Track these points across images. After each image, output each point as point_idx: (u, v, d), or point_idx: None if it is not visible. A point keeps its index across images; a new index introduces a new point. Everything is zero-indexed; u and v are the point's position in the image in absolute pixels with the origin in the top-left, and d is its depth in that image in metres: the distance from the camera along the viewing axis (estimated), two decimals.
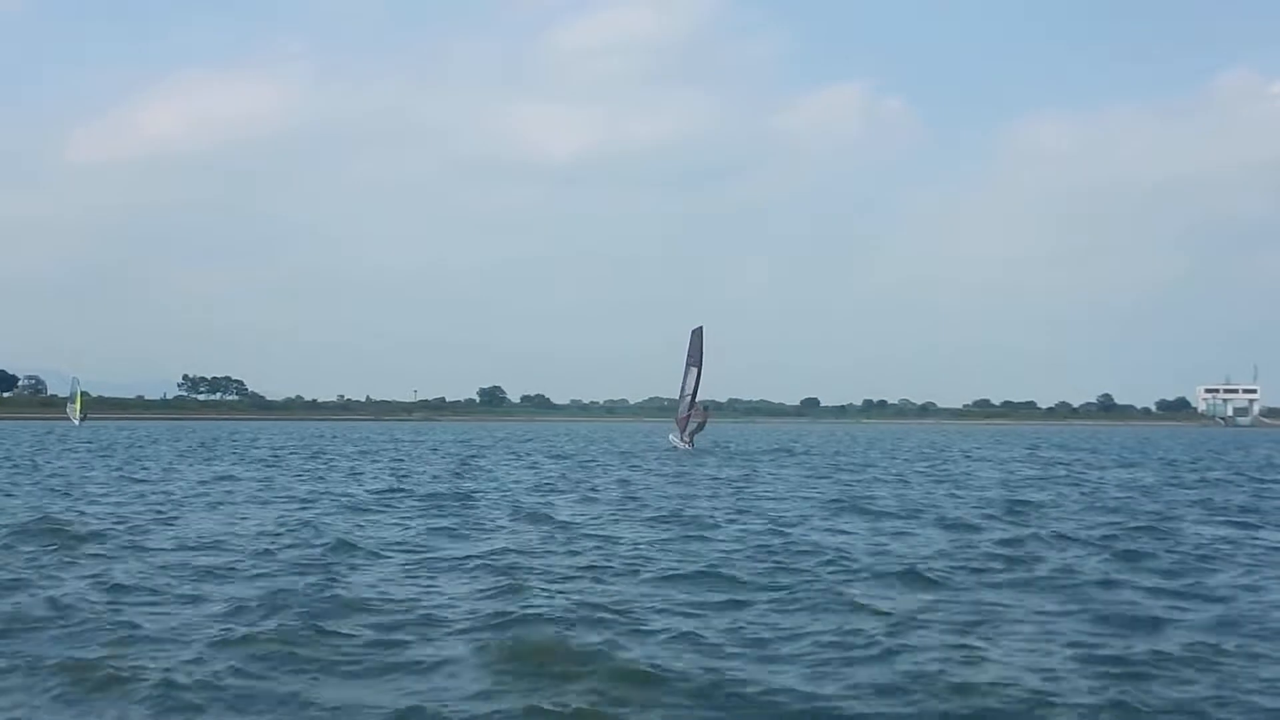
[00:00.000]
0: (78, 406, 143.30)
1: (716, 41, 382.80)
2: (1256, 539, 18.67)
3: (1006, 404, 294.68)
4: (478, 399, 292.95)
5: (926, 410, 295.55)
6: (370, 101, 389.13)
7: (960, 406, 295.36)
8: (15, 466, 39.99)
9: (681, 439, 67.53)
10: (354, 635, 10.48)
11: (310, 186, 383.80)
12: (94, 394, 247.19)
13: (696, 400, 66.59)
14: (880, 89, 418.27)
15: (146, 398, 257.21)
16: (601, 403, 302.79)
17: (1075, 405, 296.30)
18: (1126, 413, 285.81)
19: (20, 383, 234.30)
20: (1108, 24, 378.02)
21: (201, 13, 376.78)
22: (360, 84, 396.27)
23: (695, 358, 68.38)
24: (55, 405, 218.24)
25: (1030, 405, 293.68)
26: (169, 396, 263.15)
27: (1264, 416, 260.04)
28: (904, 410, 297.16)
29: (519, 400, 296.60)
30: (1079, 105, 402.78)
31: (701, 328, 68.37)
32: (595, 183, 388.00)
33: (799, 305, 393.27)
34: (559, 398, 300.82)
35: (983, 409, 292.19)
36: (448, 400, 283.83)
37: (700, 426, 68.60)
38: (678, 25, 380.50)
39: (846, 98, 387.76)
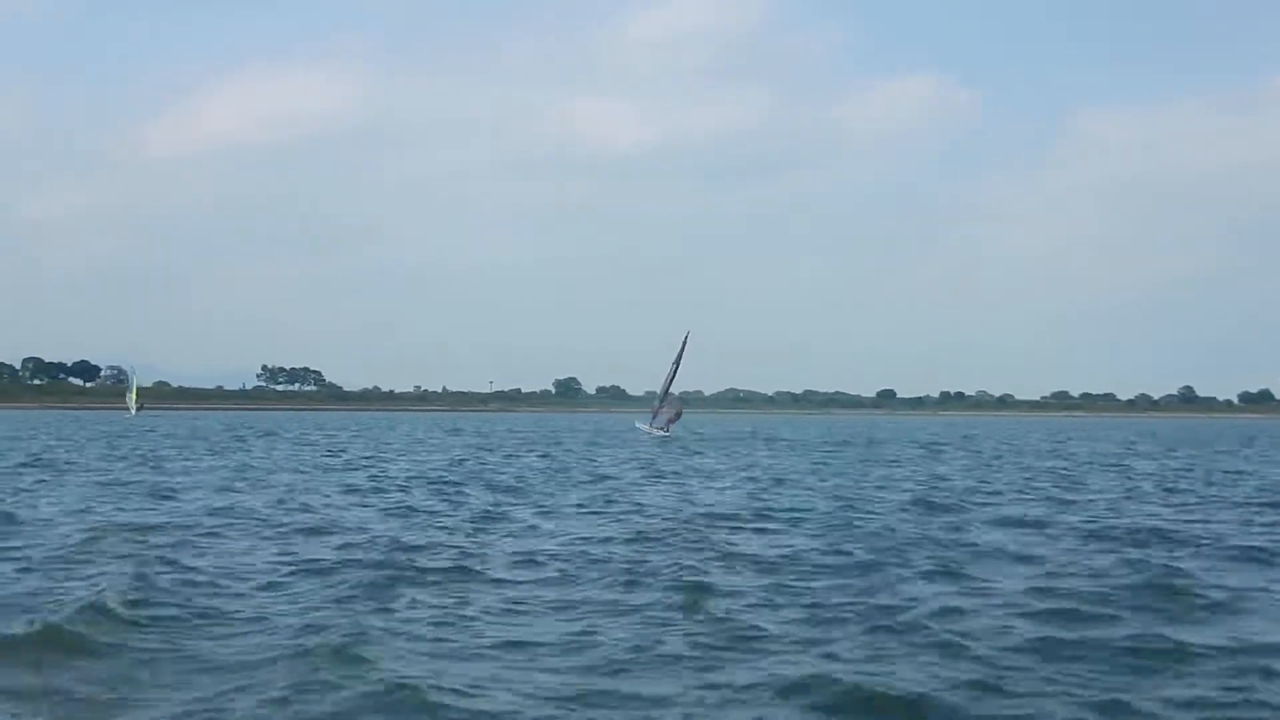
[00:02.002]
0: (134, 396, 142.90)
1: (777, 34, 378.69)
2: None
3: (1085, 396, 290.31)
4: (553, 390, 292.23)
5: (1004, 402, 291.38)
6: (435, 95, 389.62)
7: (1038, 398, 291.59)
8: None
9: (650, 426, 76.34)
10: None
11: (382, 179, 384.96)
12: (174, 384, 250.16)
13: (669, 395, 76.71)
14: (943, 80, 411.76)
15: (226, 388, 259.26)
16: (676, 394, 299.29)
17: (1156, 397, 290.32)
18: (1209, 405, 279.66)
19: (103, 373, 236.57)
20: (1170, 16, 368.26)
21: (268, 8, 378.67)
22: (426, 78, 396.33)
23: (677, 358, 76.75)
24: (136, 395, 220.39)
25: (1109, 397, 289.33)
26: (247, 387, 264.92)
27: None
28: (981, 402, 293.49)
29: (594, 391, 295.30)
30: (1143, 96, 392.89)
31: (689, 332, 77.37)
32: (658, 175, 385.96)
33: (870, 297, 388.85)
34: (634, 389, 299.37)
35: (1061, 401, 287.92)
36: (523, 391, 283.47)
37: (677, 416, 78.62)
38: (739, 17, 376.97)
39: (909, 89, 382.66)
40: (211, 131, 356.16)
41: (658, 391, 78.87)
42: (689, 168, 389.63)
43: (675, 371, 76.69)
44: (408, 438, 73.47)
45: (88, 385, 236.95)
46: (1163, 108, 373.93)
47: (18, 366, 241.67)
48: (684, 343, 76.63)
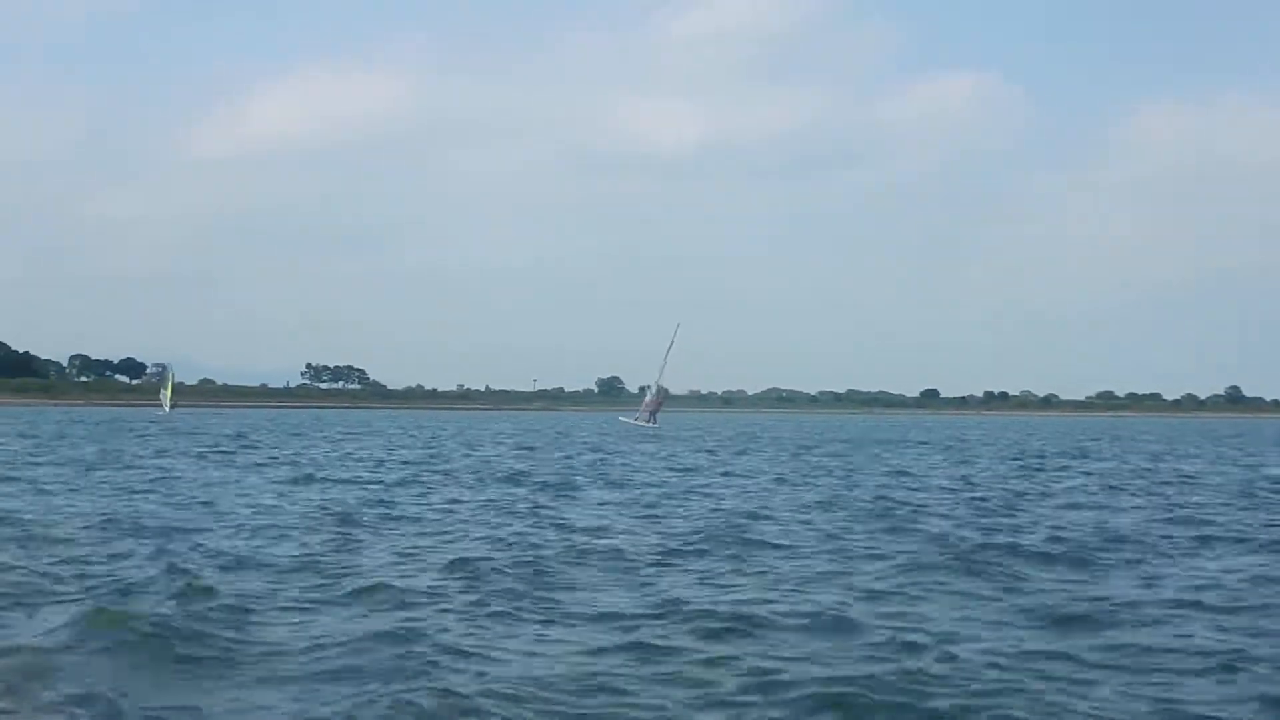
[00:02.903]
0: (168, 393, 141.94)
1: (823, 32, 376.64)
2: None
3: (1131, 395, 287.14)
4: (596, 389, 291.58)
5: (1049, 402, 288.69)
6: (485, 95, 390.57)
7: (1083, 398, 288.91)
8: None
9: (636, 418, 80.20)
10: None
11: (426, 179, 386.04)
12: (219, 381, 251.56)
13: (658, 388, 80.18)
14: (988, 78, 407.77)
15: (270, 386, 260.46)
16: (719, 393, 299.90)
17: (1202, 398, 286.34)
18: (1255, 405, 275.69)
19: (149, 370, 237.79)
20: (1217, 9, 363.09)
21: (317, 9, 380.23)
22: (475, 77, 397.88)
23: (667, 350, 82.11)
24: (180, 392, 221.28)
25: (1155, 397, 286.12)
26: (291, 385, 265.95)
27: None
28: (1026, 402, 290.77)
29: (637, 390, 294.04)
30: (1188, 91, 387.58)
31: (679, 324, 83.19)
32: (706, 174, 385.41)
33: (914, 296, 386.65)
34: (677, 388, 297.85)
35: (1106, 400, 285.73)
36: (566, 390, 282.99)
37: (658, 407, 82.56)
38: (789, 13, 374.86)
39: (955, 86, 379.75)
40: (261, 132, 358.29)
41: (650, 386, 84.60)
42: (735, 166, 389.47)
43: (665, 364, 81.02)
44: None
45: (134, 382, 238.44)
46: (1208, 103, 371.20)
47: (65, 364, 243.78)
48: (674, 334, 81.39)
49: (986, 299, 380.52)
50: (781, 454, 53.05)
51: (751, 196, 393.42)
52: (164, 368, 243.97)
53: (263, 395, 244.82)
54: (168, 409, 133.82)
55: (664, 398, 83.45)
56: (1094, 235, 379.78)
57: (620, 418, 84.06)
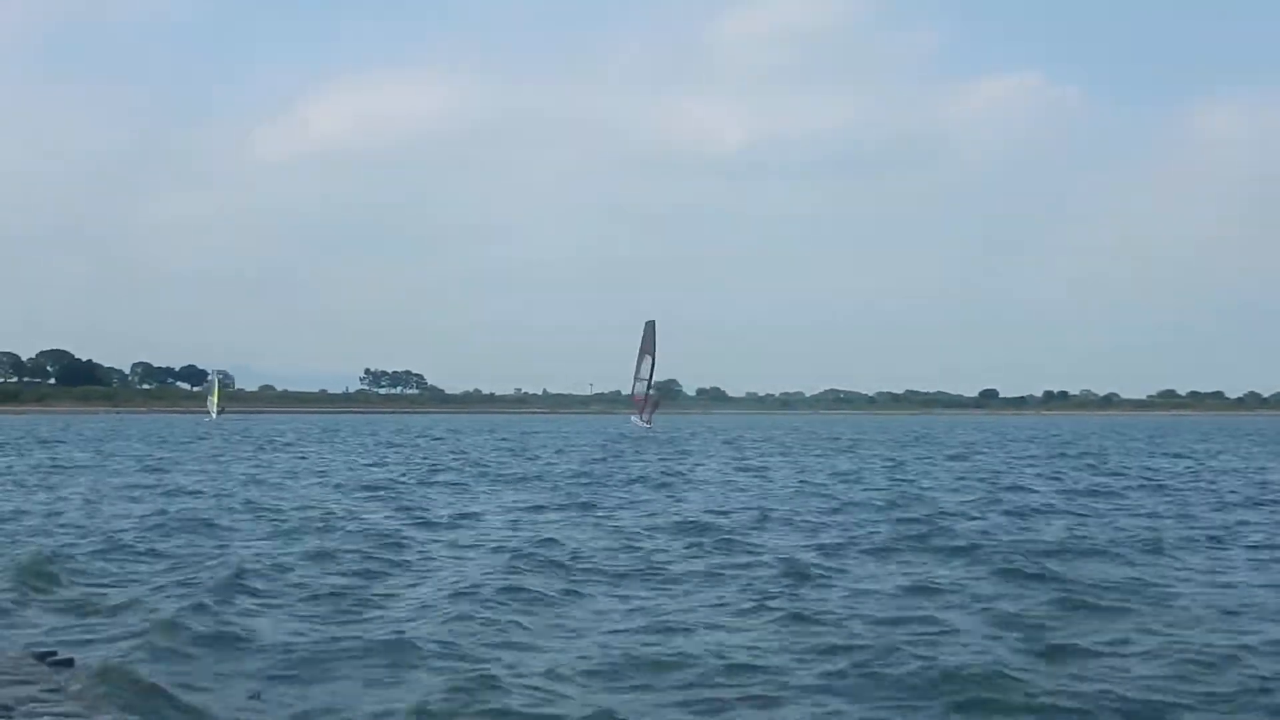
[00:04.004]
0: (215, 399, 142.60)
1: (876, 30, 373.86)
2: None
3: (1192, 394, 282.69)
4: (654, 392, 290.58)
5: (1109, 401, 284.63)
6: (536, 97, 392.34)
7: (1144, 397, 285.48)
8: None
9: (641, 419, 79.30)
10: None
11: (481, 182, 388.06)
12: (279, 387, 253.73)
13: (651, 385, 79.99)
14: (1044, 77, 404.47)
15: (330, 391, 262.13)
16: (777, 395, 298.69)
17: (1265, 395, 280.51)
18: None
19: (209, 376, 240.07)
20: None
21: (374, 13, 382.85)
22: (525, 80, 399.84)
23: (649, 347, 79.10)
24: (241, 399, 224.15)
25: (1218, 395, 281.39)
26: (351, 390, 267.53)
27: None
28: (1085, 402, 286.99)
29: (694, 393, 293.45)
30: (1255, 88, 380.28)
31: (654, 321, 79.91)
32: (757, 174, 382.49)
33: (971, 296, 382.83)
34: (734, 390, 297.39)
35: (1167, 399, 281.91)
36: (623, 393, 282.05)
37: (656, 406, 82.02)
38: (840, 14, 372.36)
39: (1009, 86, 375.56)
40: (319, 136, 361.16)
41: (633, 382, 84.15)
42: (788, 167, 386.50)
43: (654, 362, 79.96)
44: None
45: (195, 389, 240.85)
46: (1273, 100, 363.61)
47: (127, 371, 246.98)
48: (650, 331, 79.21)
49: (1044, 298, 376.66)
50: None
51: (802, 196, 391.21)
52: (224, 373, 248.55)
53: (323, 401, 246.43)
54: (215, 415, 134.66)
55: (659, 397, 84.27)
56: (1153, 235, 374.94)
57: (632, 419, 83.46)
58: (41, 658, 9.59)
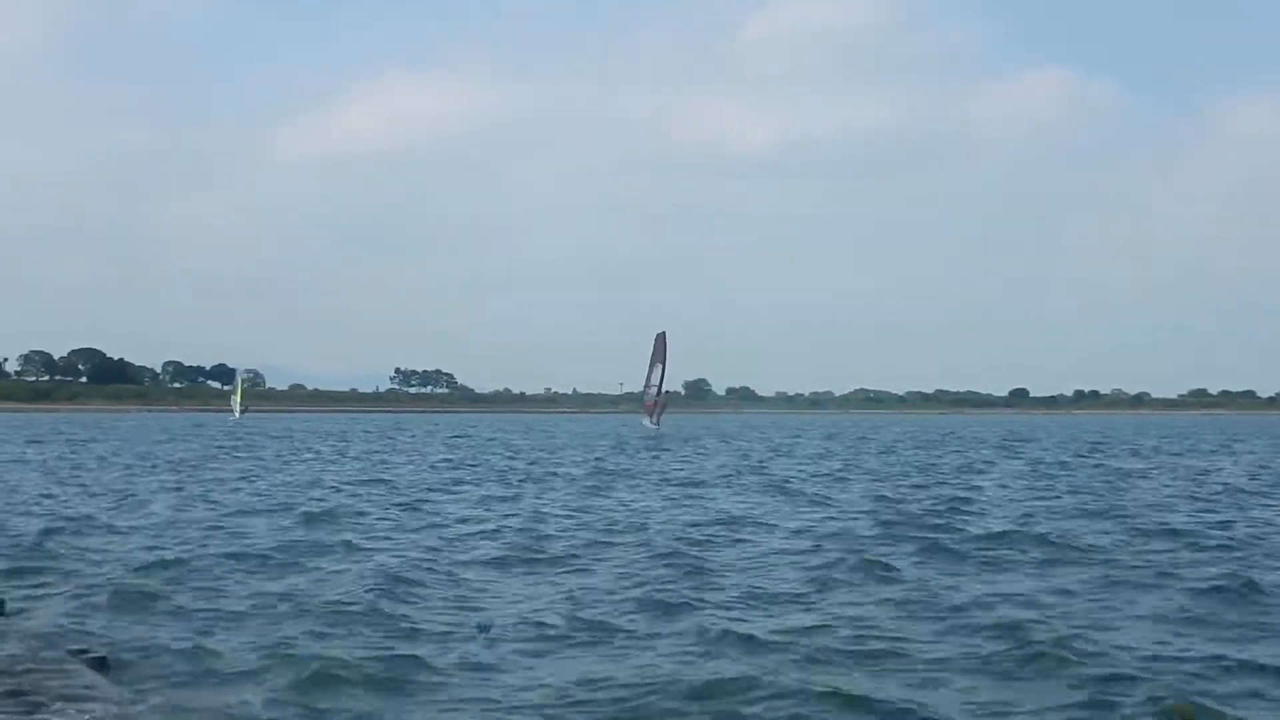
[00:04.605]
0: (238, 399, 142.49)
1: (906, 28, 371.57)
2: None
3: (1224, 393, 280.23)
4: (683, 391, 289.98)
5: (1140, 400, 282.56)
6: (561, 97, 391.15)
7: (1175, 396, 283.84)
8: None
9: (651, 422, 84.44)
10: None
11: (507, 181, 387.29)
12: (309, 387, 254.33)
13: (661, 391, 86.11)
14: (1074, 74, 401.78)
15: (360, 391, 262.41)
16: (806, 394, 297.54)
17: None
18: None
19: (236, 375, 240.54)
20: None
21: (396, 14, 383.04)
22: (550, 80, 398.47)
23: (660, 356, 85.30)
24: (272, 398, 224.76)
25: (1249, 395, 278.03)
26: (381, 390, 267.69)
27: None
28: (1116, 401, 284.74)
29: (724, 393, 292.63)
30: None
31: (664, 332, 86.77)
32: (785, 173, 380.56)
33: (1002, 295, 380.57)
34: (764, 389, 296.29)
35: (1199, 399, 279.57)
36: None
37: (664, 409, 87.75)
38: (868, 13, 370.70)
39: (1039, 83, 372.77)
40: (347, 136, 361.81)
41: (643, 388, 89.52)
42: (815, 166, 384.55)
43: (664, 370, 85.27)
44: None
45: (225, 388, 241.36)
46: None
47: (159, 370, 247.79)
48: (661, 342, 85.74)
49: (1075, 297, 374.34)
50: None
51: (830, 196, 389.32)
52: (254, 372, 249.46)
53: (352, 400, 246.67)
54: (238, 414, 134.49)
55: (666, 401, 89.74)
56: (1185, 233, 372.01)
57: (644, 421, 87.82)
58: (77, 654, 9.02)
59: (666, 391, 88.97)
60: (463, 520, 23.20)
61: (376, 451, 56.05)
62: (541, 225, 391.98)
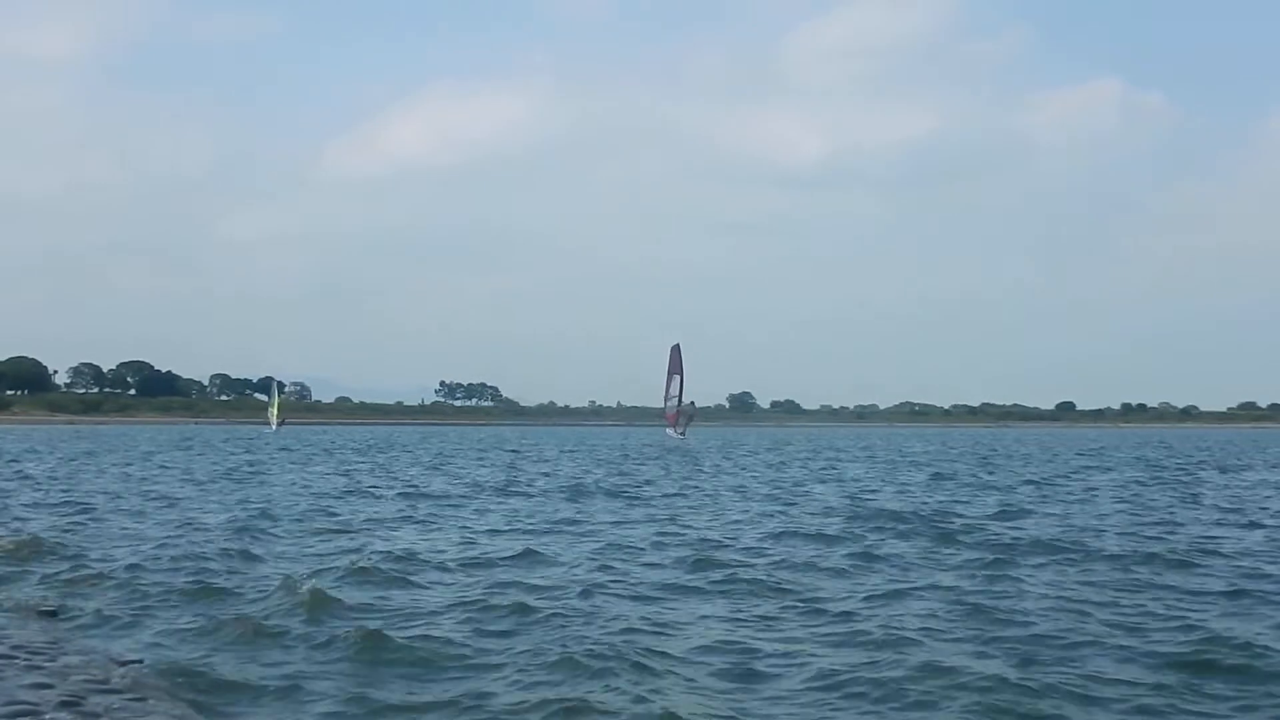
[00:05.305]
0: (275, 411, 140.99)
1: (958, 40, 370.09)
2: None
3: (1274, 406, 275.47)
4: (727, 404, 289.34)
5: (1188, 413, 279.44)
6: (610, 110, 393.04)
7: (1224, 409, 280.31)
8: None
9: (676, 433, 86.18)
10: None
11: (554, 195, 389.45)
12: (355, 399, 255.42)
13: (682, 402, 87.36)
14: (1126, 84, 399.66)
15: (406, 403, 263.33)
16: (851, 408, 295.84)
17: None
18: None
19: (286, 388, 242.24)
20: None
21: (452, 29, 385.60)
22: (601, 92, 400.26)
23: (676, 368, 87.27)
24: (320, 411, 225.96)
25: None
26: (426, 402, 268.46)
27: None
28: (1164, 414, 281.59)
29: (768, 405, 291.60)
30: None
31: (679, 344, 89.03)
32: (832, 185, 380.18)
33: (1049, 307, 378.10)
34: (808, 402, 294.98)
35: (1248, 411, 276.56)
36: (697, 405, 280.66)
37: (690, 420, 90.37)
38: (918, 24, 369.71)
39: (1090, 93, 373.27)
40: (395, 151, 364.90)
41: (663, 402, 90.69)
42: (866, 177, 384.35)
43: (682, 381, 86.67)
44: None
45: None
46: None
47: (206, 383, 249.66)
48: (676, 354, 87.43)
49: (1123, 309, 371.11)
50: None
51: (881, 207, 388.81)
52: (300, 385, 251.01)
53: (399, 413, 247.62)
54: (275, 426, 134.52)
55: (692, 412, 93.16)
56: (1235, 242, 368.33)
57: (668, 430, 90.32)
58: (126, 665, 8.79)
59: (691, 402, 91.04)
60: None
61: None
62: (589, 237, 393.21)
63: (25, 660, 7.41)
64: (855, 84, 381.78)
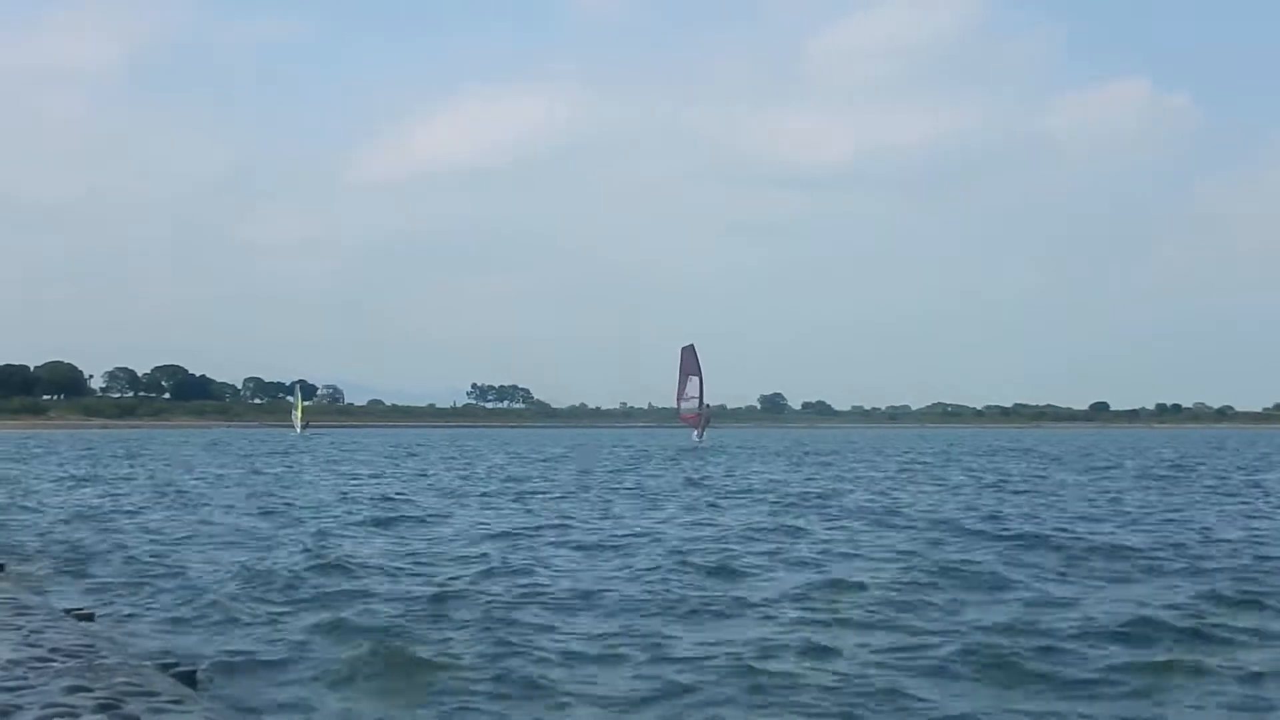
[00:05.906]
0: (299, 414, 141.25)
1: (982, 41, 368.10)
2: None
3: None
4: (758, 405, 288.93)
5: (1224, 414, 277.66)
6: (637, 112, 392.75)
7: (1260, 410, 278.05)
8: None
9: (695, 435, 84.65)
10: None
11: (576, 198, 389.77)
12: (387, 402, 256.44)
13: (703, 404, 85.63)
14: (1152, 84, 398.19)
15: (437, 406, 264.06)
16: (883, 409, 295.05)
17: None
18: None
19: (319, 392, 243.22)
20: None
21: (478, 33, 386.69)
22: (628, 95, 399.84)
23: (693, 369, 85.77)
24: (353, 414, 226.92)
25: None
26: (458, 405, 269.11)
27: None
28: (1199, 414, 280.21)
29: (799, 407, 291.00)
30: None
31: (692, 344, 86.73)
32: (858, 187, 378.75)
33: (1082, 307, 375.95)
34: (840, 403, 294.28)
35: None
36: (728, 408, 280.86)
37: (707, 422, 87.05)
38: (942, 26, 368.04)
39: (1117, 94, 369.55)
40: (424, 155, 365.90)
41: (678, 403, 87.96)
42: (892, 179, 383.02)
43: (701, 382, 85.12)
44: None
45: (305, 404, 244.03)
46: None
47: (239, 386, 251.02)
48: (690, 355, 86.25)
49: (1157, 309, 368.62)
50: None
51: (906, 208, 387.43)
52: (332, 389, 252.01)
53: (430, 415, 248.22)
54: (299, 430, 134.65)
55: (709, 414, 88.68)
56: (1267, 241, 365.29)
57: (693, 435, 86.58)
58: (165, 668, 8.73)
59: (708, 405, 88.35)
60: None
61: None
62: (614, 241, 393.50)
63: (61, 663, 7.38)
64: (879, 86, 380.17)
